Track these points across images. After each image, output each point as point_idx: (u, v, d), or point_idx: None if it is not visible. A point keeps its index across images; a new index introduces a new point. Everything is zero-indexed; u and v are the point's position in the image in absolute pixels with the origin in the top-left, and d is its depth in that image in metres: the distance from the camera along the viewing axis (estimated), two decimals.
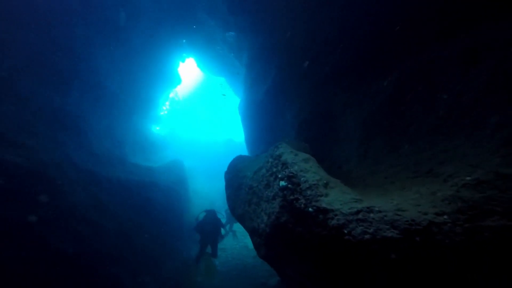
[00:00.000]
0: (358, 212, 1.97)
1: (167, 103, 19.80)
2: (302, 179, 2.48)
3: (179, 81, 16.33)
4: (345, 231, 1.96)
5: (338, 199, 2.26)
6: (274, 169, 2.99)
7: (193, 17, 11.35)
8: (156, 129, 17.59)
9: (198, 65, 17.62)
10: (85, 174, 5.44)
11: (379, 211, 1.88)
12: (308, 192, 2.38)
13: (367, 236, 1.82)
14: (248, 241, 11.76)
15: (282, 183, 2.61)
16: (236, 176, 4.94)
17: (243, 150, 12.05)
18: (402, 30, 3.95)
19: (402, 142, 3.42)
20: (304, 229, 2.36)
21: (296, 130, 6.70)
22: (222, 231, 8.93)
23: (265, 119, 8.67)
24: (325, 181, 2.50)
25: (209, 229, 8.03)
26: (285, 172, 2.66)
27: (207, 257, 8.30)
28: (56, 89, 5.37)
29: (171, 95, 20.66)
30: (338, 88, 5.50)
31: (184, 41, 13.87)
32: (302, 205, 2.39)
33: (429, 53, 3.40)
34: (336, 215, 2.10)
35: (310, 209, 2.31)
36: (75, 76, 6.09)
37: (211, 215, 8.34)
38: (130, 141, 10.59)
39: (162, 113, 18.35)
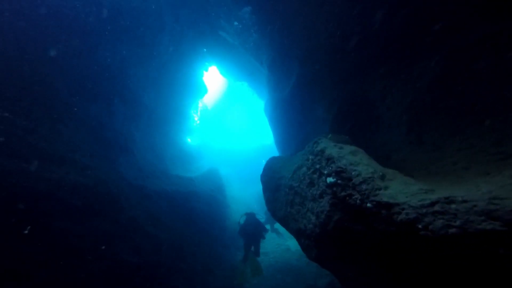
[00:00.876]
0: (433, 204, 1.65)
1: (198, 114, 20.69)
2: (353, 173, 2.22)
3: (205, 90, 16.86)
4: (420, 226, 1.66)
5: (402, 191, 1.95)
6: (318, 166, 2.77)
7: (211, 25, 11.66)
8: (189, 141, 18.45)
9: (221, 72, 17.98)
10: (136, 189, 5.86)
11: (464, 201, 1.55)
12: (364, 186, 2.12)
13: (452, 230, 1.50)
14: (290, 243, 11.41)
15: (330, 179, 2.38)
16: (273, 177, 4.80)
17: (274, 153, 11.87)
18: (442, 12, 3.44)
19: (467, 123, 2.92)
20: (365, 226, 2.10)
21: (330, 124, 6.30)
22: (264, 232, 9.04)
23: (294, 117, 8.38)
24: (381, 173, 2.21)
25: (251, 231, 8.33)
26: (331, 167, 2.43)
27: (251, 256, 8.48)
28: (102, 108, 5.91)
29: (200, 105, 21.55)
30: (375, 75, 5.05)
31: (204, 50, 14.29)
32: (358, 201, 2.13)
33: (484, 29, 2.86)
34: (403, 209, 1.80)
35: (368, 204, 2.04)
36: (115, 94, 6.65)
37: (251, 217, 8.61)
38: (169, 154, 11.22)
39: (194, 124, 19.19)
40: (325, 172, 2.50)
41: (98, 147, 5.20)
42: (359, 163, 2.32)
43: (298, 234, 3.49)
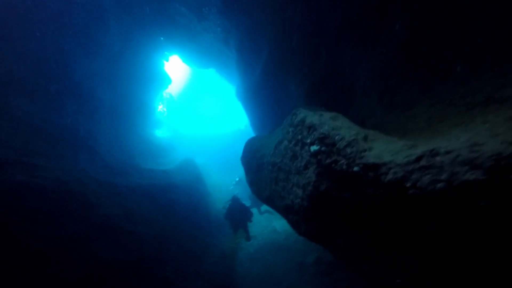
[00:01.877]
0: (418, 158, 1.61)
1: (164, 105, 19.43)
2: (337, 137, 2.13)
3: (169, 80, 15.81)
4: (407, 185, 1.62)
5: (387, 149, 1.91)
6: (299, 136, 2.65)
7: (164, 10, 10.62)
8: (160, 133, 17.40)
9: (184, 61, 16.90)
10: (106, 186, 5.37)
11: (448, 152, 1.52)
12: (348, 150, 2.04)
13: (440, 185, 1.48)
14: (276, 224, 11.72)
15: (314, 147, 2.27)
16: (254, 157, 4.65)
17: (250, 136, 11.69)
18: None
19: (434, 81, 3.00)
20: (353, 193, 2.05)
21: (304, 100, 6.27)
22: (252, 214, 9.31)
23: (267, 97, 8.24)
24: (363, 135, 2.15)
25: (238, 215, 8.49)
26: (314, 135, 2.31)
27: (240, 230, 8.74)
28: (50, 108, 5.12)
29: (165, 96, 20.20)
30: (345, 47, 5.03)
31: (162, 38, 13.17)
32: (344, 166, 2.06)
33: None
34: (390, 168, 1.76)
35: (355, 168, 1.97)
36: (65, 92, 5.80)
37: (236, 201, 8.71)
38: (138, 150, 10.45)
39: (162, 115, 18.05)
40: (308, 141, 2.38)
41: (50, 146, 4.52)
42: (341, 127, 2.24)
43: (286, 211, 3.44)
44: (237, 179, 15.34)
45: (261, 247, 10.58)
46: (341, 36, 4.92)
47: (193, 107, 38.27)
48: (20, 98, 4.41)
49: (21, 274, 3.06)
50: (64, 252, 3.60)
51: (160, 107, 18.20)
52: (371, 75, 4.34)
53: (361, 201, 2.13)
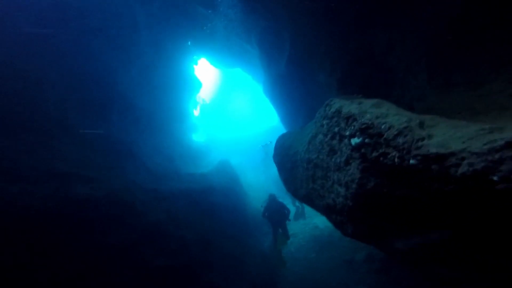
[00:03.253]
0: (509, 144, 1.22)
1: (198, 109, 20.33)
2: (383, 126, 1.79)
3: (199, 84, 16.40)
4: (495, 178, 1.24)
5: (454, 136, 1.52)
6: (336, 129, 2.35)
7: (186, 13, 10.98)
8: (196, 137, 18.26)
9: (211, 63, 17.38)
10: (151, 193, 5.76)
11: None
12: (400, 139, 1.69)
13: None
14: (317, 221, 11.22)
15: (355, 140, 1.97)
16: (286, 155, 4.42)
17: (282, 132, 11.42)
18: None
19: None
20: (411, 189, 1.70)
21: (337, 89, 5.76)
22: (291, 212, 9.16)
23: (295, 90, 7.85)
24: (418, 120, 1.77)
25: (275, 213, 8.36)
26: (354, 126, 2.01)
27: (280, 237, 8.57)
28: (98, 119, 5.70)
29: (199, 100, 21.12)
30: (377, 28, 4.47)
31: (189, 43, 13.65)
32: (397, 159, 1.72)
33: None
34: (463, 158, 1.38)
35: (412, 161, 1.63)
36: (109, 104, 6.44)
37: (273, 200, 8.64)
38: (178, 154, 11.07)
39: (196, 120, 18.92)
40: (347, 133, 2.08)
41: (101, 159, 5.01)
42: (387, 114, 1.89)
43: (327, 210, 3.14)
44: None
45: (303, 245, 10.22)
46: (373, 18, 4.38)
47: (226, 109, 39.40)
48: (74, 113, 5.00)
49: (78, 282, 3.38)
50: (115, 260, 3.90)
51: (195, 112, 19.11)
52: (416, 54, 3.75)
53: (422, 199, 1.76)
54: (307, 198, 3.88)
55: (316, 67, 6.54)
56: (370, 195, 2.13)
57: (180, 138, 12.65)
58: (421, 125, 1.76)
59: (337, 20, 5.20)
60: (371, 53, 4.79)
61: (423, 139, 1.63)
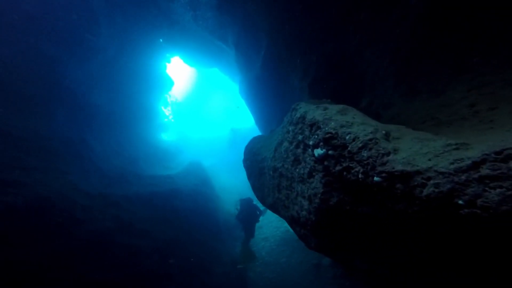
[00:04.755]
0: (477, 165, 1.07)
1: (168, 108, 19.29)
2: (348, 137, 1.60)
3: (171, 83, 15.59)
4: (460, 202, 1.08)
5: (420, 152, 1.36)
6: (300, 137, 2.14)
7: (158, 9, 10.30)
8: (166, 137, 17.27)
9: (185, 61, 16.67)
10: (98, 198, 5.03)
11: None
12: (365, 153, 1.51)
13: None
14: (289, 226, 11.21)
15: (318, 151, 1.76)
16: (254, 161, 4.17)
17: (258, 133, 11.29)
18: None
19: (472, 59, 2.37)
20: (374, 208, 1.53)
21: (308, 92, 5.72)
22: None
23: (269, 93, 7.76)
24: (383, 131, 1.61)
25: (247, 216, 8.52)
26: (318, 135, 1.80)
27: (243, 245, 8.59)
28: (36, 116, 4.85)
29: (170, 99, 20.07)
30: (349, 31, 4.46)
31: (161, 40, 12.91)
32: (361, 175, 1.54)
33: None
34: (429, 178, 1.22)
35: (376, 178, 1.45)
36: (54, 99, 5.55)
37: (246, 203, 8.73)
38: (142, 155, 10.24)
39: (166, 119, 17.93)
40: (311, 143, 1.87)
41: (37, 160, 4.24)
42: (352, 123, 1.70)
43: (292, 222, 2.94)
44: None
45: (273, 249, 10.12)
46: (345, 19, 4.35)
47: (200, 109, 38.20)
48: (3, 108, 4.15)
49: None
50: (43, 274, 3.25)
51: (166, 111, 18.08)
52: (385, 59, 3.75)
53: (386, 218, 1.61)
54: (273, 207, 3.67)
55: (290, 70, 6.47)
56: (333, 211, 1.95)
57: (146, 138, 11.75)
58: (387, 136, 1.61)
59: (311, 23, 5.13)
60: (342, 58, 4.77)
61: (388, 153, 1.46)
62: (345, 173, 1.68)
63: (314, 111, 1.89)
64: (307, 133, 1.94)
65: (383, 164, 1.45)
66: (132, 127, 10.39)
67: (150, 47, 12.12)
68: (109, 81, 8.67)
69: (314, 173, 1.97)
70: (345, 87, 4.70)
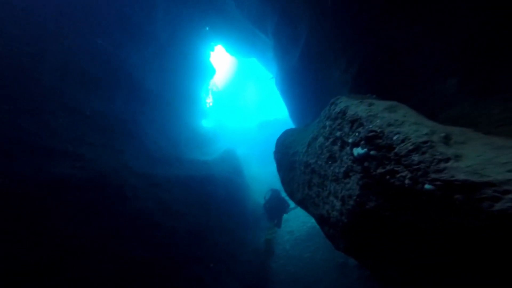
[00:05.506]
0: None
1: (210, 95, 20.08)
2: (395, 137, 1.40)
3: (213, 71, 16.09)
4: None
5: (495, 160, 1.11)
6: (338, 133, 1.96)
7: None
8: (205, 123, 18.09)
9: (227, 50, 16.97)
10: (143, 178, 5.49)
11: None
12: (416, 157, 1.30)
13: None
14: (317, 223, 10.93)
15: (359, 150, 1.58)
16: (286, 154, 4.06)
17: (291, 127, 11.03)
18: None
19: None
20: (420, 217, 1.33)
21: (351, 86, 5.27)
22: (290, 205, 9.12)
23: (306, 86, 7.42)
24: (443, 134, 1.36)
25: (275, 206, 8.66)
26: (359, 132, 1.62)
27: (269, 233, 8.71)
28: (100, 97, 5.48)
29: (211, 87, 20.83)
30: (405, 20, 3.91)
31: (207, 28, 13.31)
32: (408, 181, 1.34)
33: None
34: (507, 192, 0.99)
35: (427, 186, 1.24)
36: (115, 82, 6.25)
37: (275, 193, 8.82)
38: (184, 139, 10.92)
39: (207, 106, 18.72)
40: (350, 140, 1.69)
41: (98, 136, 4.81)
42: (402, 122, 1.48)
43: (321, 221, 2.81)
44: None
45: (298, 243, 10.00)
46: (399, 10, 3.81)
47: (238, 98, 38.92)
48: (74, 89, 4.80)
49: (45, 272, 3.20)
50: (91, 250, 3.69)
51: (207, 98, 18.87)
52: (451, 52, 3.21)
53: (433, 230, 1.40)
54: (302, 203, 3.55)
55: (331, 62, 6.05)
56: (369, 216, 1.77)
57: (188, 123, 12.47)
58: (447, 140, 1.35)
59: (359, 14, 4.64)
60: (392, 51, 4.24)
61: (447, 159, 1.23)
62: (388, 176, 1.48)
63: (357, 106, 1.70)
64: (346, 129, 1.76)
65: (439, 171, 1.23)
66: (177, 112, 11.11)
67: (197, 35, 12.61)
68: (160, 67, 9.34)
69: (350, 174, 1.80)
70: (395, 82, 4.20)
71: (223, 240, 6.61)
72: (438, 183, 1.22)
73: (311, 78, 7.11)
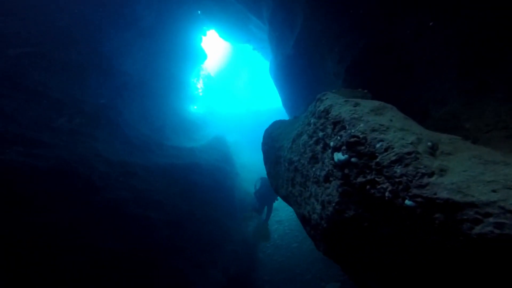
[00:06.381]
0: None
1: (200, 81, 19.44)
2: (378, 145, 1.27)
3: (204, 56, 15.46)
4: None
5: (480, 178, 1.00)
6: (321, 134, 1.83)
7: None
8: (195, 109, 17.64)
9: (221, 36, 16.26)
10: (118, 166, 5.20)
11: None
12: (398, 169, 1.18)
13: None
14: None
15: (339, 156, 1.46)
16: (272, 147, 3.93)
17: (284, 115, 10.85)
18: None
19: None
20: (398, 230, 1.25)
21: (344, 78, 5.10)
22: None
23: (300, 75, 7.21)
24: (429, 143, 1.24)
25: (266, 195, 8.54)
26: (341, 136, 1.48)
27: (262, 223, 8.71)
28: (73, 82, 5.08)
29: (202, 72, 20.13)
30: (405, 11, 3.70)
31: (199, 12, 12.59)
32: (388, 194, 1.23)
33: None
34: (488, 214, 0.89)
35: (408, 202, 1.14)
36: (89, 64, 5.77)
37: (265, 182, 8.65)
38: (169, 125, 10.54)
39: (197, 92, 18.17)
40: (331, 144, 1.56)
41: (66, 121, 4.48)
42: (388, 127, 1.35)
43: (302, 221, 2.74)
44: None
45: (287, 233, 10.18)
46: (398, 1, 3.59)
47: (230, 85, 38.02)
48: (38, 71, 4.38)
49: (6, 268, 3.03)
50: (55, 242, 3.51)
51: (198, 83, 18.28)
52: (449, 46, 3.06)
53: (412, 244, 1.32)
54: (286, 199, 3.49)
55: (326, 52, 5.82)
56: (348, 224, 1.68)
57: (175, 108, 12.04)
58: (433, 150, 1.24)
59: (355, 4, 4.38)
60: (390, 42, 4.06)
61: (431, 174, 1.12)
62: (368, 186, 1.37)
63: (341, 107, 1.54)
64: (329, 131, 1.62)
65: (421, 186, 1.12)
66: (162, 96, 10.66)
67: (187, 18, 11.93)
68: (143, 50, 8.77)
69: (331, 178, 1.69)
70: (388, 76, 4.06)
71: (207, 230, 6.55)
72: (419, 199, 1.11)
73: (305, 67, 6.90)
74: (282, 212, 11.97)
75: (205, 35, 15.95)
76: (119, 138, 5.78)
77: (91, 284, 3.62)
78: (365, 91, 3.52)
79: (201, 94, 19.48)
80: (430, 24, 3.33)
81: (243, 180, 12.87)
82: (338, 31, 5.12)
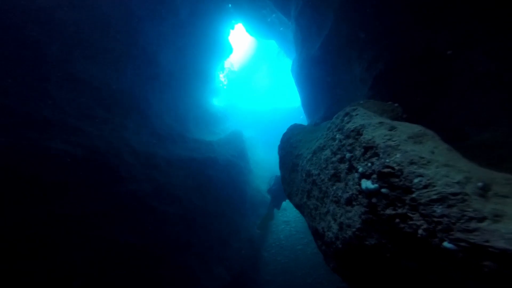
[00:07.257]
0: None
1: (224, 75, 19.52)
2: (416, 180, 1.14)
3: (230, 50, 15.46)
4: None
5: None
6: (348, 155, 1.70)
7: None
8: (216, 102, 17.78)
9: (247, 30, 16.16)
10: (143, 157, 5.26)
11: None
12: (438, 209, 1.05)
13: None
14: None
15: (368, 184, 1.34)
16: (290, 153, 3.83)
17: (302, 114, 10.62)
18: None
19: None
20: (426, 267, 1.13)
21: (371, 86, 4.82)
22: None
23: (323, 77, 6.96)
24: (480, 184, 1.09)
25: (278, 192, 8.67)
26: (372, 163, 1.36)
27: (267, 216, 8.96)
28: (110, 69, 5.20)
29: (227, 66, 20.18)
30: (450, 18, 3.38)
31: (230, 5, 12.59)
32: (421, 232, 1.11)
33: None
34: None
35: (448, 245, 1.01)
36: (126, 54, 5.93)
37: (278, 180, 8.69)
38: (192, 116, 10.72)
39: (221, 85, 18.30)
40: (360, 169, 1.44)
41: (103, 110, 4.63)
42: (429, 161, 1.20)
43: (315, 234, 2.65)
44: None
45: (293, 234, 10.08)
46: (445, 5, 3.27)
47: (251, 80, 37.87)
48: (83, 59, 4.53)
49: (25, 257, 3.11)
50: (74, 233, 3.53)
51: (221, 77, 18.37)
52: (498, 62, 2.75)
53: (443, 284, 1.20)
54: (299, 208, 3.39)
55: (354, 57, 5.54)
56: (366, 251, 1.57)
57: (199, 101, 12.23)
58: (485, 191, 1.09)
59: (398, 11, 4.07)
60: (429, 51, 3.75)
61: (482, 219, 0.98)
62: (398, 220, 1.25)
63: (374, 129, 1.41)
64: (357, 153, 1.50)
65: (468, 231, 0.99)
66: (187, 88, 10.84)
67: (219, 12, 12.00)
68: (176, 42, 8.92)
69: (354, 203, 1.58)
70: (419, 88, 3.77)
71: (217, 226, 6.60)
72: (463, 244, 0.98)
73: (329, 70, 6.66)
74: (290, 212, 11.85)
75: (233, 28, 15.94)
76: (147, 128, 5.92)
77: (101, 278, 3.70)
78: (396, 104, 3.29)
79: (225, 87, 19.59)
80: (448, 53, 3.05)
81: (256, 177, 12.86)
82: (370, 37, 4.85)
